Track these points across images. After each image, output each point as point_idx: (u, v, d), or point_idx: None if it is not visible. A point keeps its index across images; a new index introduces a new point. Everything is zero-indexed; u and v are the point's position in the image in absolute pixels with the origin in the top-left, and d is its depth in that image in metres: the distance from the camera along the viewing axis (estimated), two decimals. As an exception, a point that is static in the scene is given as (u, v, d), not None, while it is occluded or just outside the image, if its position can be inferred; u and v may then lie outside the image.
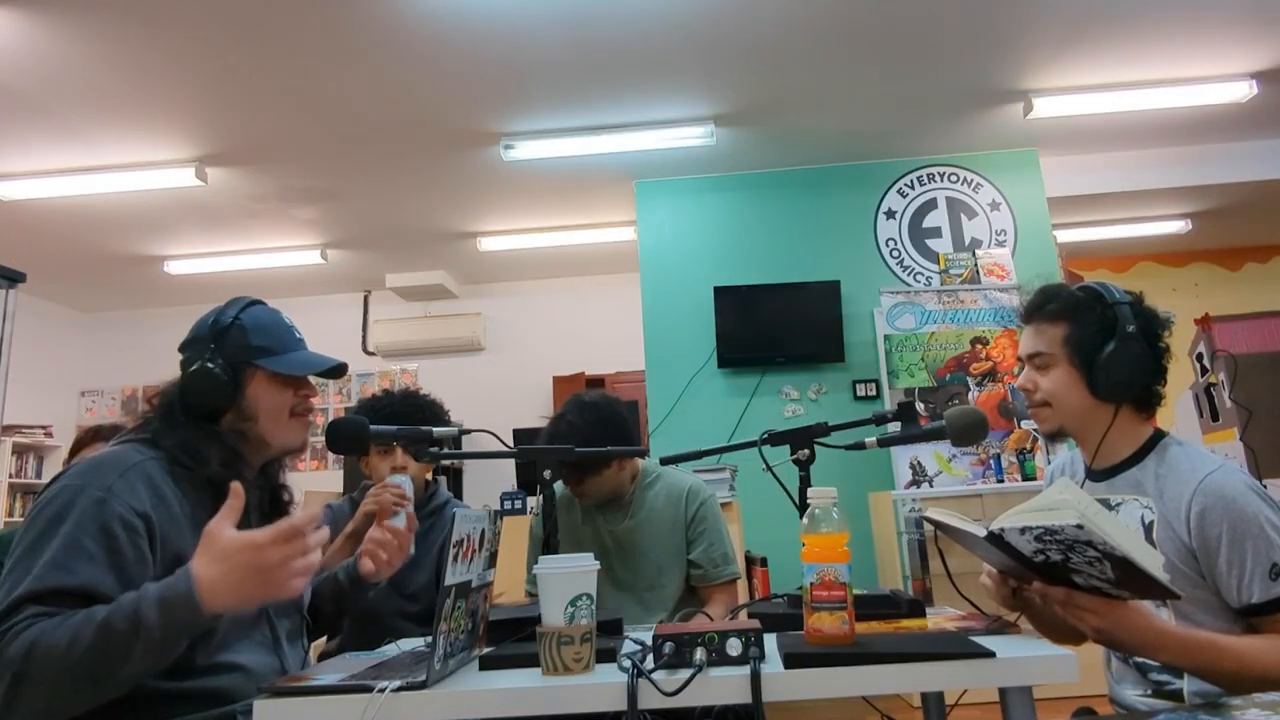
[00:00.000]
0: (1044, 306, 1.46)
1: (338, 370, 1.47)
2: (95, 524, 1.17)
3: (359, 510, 2.09)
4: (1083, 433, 1.45)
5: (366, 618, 2.17)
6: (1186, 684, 1.29)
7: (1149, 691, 1.35)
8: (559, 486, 1.98)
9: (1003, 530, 1.10)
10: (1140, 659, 1.34)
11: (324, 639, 2.27)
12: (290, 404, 1.42)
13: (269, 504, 1.48)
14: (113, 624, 1.08)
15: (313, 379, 1.46)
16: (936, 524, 1.30)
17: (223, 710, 1.24)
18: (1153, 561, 1.03)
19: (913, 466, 4.05)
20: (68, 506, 1.18)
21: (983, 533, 1.14)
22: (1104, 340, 1.38)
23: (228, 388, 1.36)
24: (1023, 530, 1.06)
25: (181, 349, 1.42)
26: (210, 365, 1.35)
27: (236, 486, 1.19)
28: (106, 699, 1.11)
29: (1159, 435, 1.41)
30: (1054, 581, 1.15)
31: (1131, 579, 1.05)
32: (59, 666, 1.06)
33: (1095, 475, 1.46)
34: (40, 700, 1.07)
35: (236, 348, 1.38)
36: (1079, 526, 0.98)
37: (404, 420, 2.09)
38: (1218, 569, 1.24)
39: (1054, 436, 1.47)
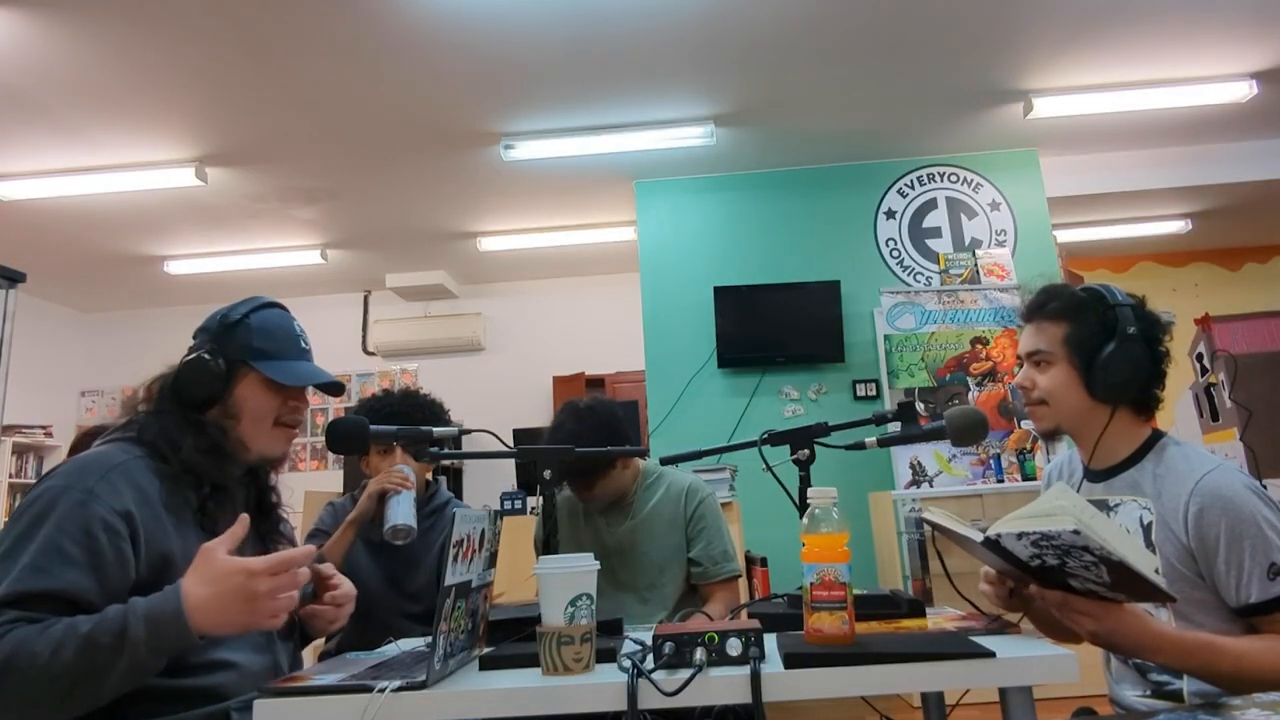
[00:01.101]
0: (1045, 305, 1.46)
1: (334, 387, 1.47)
2: (77, 526, 1.16)
3: (363, 495, 2.09)
4: (1079, 432, 1.45)
5: (367, 617, 2.17)
6: (1186, 684, 1.29)
7: (1148, 692, 1.35)
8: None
9: (999, 536, 1.10)
10: (1139, 659, 1.35)
11: (323, 639, 2.27)
12: (276, 412, 1.42)
13: (255, 506, 1.47)
14: (97, 638, 1.07)
15: (309, 389, 1.46)
16: (934, 525, 1.30)
17: (216, 708, 1.24)
18: (1148, 565, 1.03)
19: (913, 466, 4.05)
20: (49, 508, 1.17)
21: (979, 537, 1.14)
22: (1104, 341, 1.38)
23: (217, 381, 1.36)
24: (1019, 535, 1.07)
25: (193, 336, 1.43)
26: (205, 356, 1.36)
27: (244, 517, 1.21)
28: (83, 712, 1.10)
29: (1157, 436, 1.41)
30: (1050, 585, 1.15)
31: (1127, 582, 1.05)
32: (38, 677, 1.05)
33: (1093, 476, 1.46)
34: (13, 710, 1.06)
35: (236, 344, 1.39)
36: (1075, 532, 0.99)
37: (404, 420, 2.09)
38: (1216, 569, 1.24)
39: (1050, 435, 1.47)
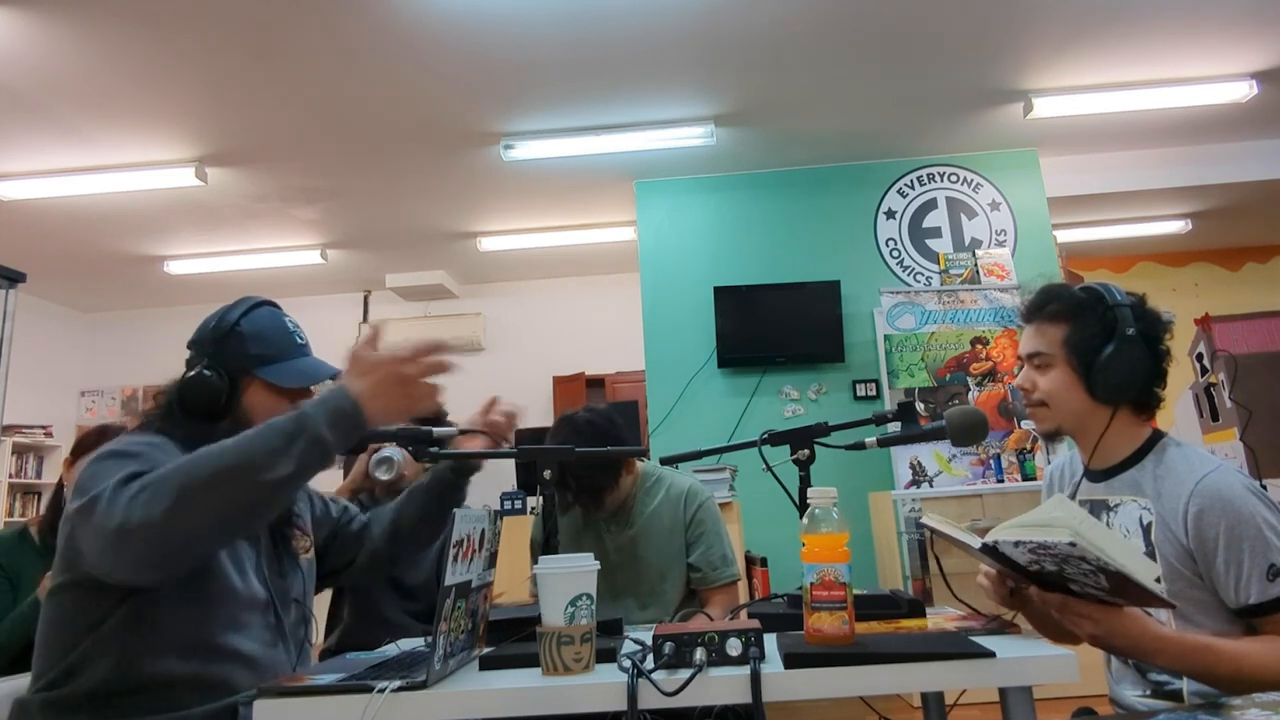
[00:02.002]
0: (1045, 306, 1.46)
1: (337, 379, 1.47)
2: (151, 456, 1.21)
3: (356, 464, 2.11)
4: (1080, 433, 1.45)
5: (366, 614, 2.18)
6: (1186, 684, 1.29)
7: (1148, 692, 1.35)
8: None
9: (997, 543, 1.10)
10: (1139, 661, 1.35)
11: (322, 638, 2.27)
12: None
13: None
14: (275, 424, 1.14)
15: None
16: (933, 531, 1.30)
17: (225, 703, 1.24)
18: (1147, 573, 1.03)
19: (913, 466, 4.05)
20: (124, 448, 1.22)
21: (977, 543, 1.14)
22: (1104, 342, 1.38)
23: (223, 395, 1.36)
24: (1017, 544, 1.07)
25: (188, 346, 1.43)
26: (207, 372, 1.35)
27: (376, 324, 1.27)
28: (257, 514, 1.16)
29: (1157, 436, 1.41)
30: (1050, 588, 1.15)
31: (1126, 589, 1.05)
32: (218, 462, 1.10)
33: (1094, 476, 1.46)
34: (207, 498, 1.09)
35: (234, 355, 1.38)
36: (1071, 544, 0.98)
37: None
38: (1215, 570, 1.24)
39: (1051, 436, 1.47)
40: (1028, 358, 1.47)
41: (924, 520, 1.31)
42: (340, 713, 1.02)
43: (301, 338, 1.47)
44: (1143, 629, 1.15)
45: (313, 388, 1.46)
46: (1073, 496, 1.48)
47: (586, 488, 1.90)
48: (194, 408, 1.35)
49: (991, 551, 1.12)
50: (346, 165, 4.57)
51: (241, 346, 1.39)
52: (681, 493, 2.04)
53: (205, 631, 1.25)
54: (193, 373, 1.36)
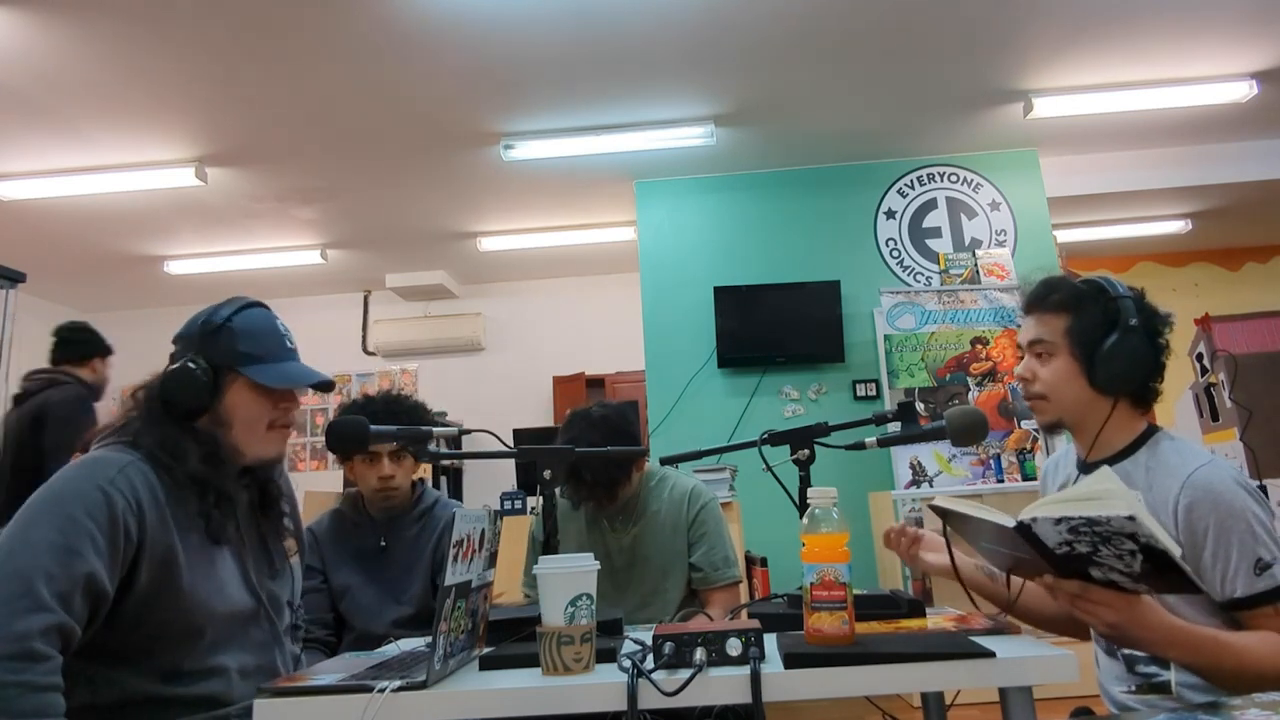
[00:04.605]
0: (1047, 297, 1.46)
1: (324, 385, 1.44)
2: (102, 513, 1.17)
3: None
4: (1079, 425, 1.45)
5: (364, 633, 2.16)
6: (1174, 676, 1.29)
7: (1134, 686, 1.35)
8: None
9: (1035, 520, 1.06)
10: (1128, 651, 1.34)
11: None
12: (269, 416, 1.39)
13: (259, 500, 1.46)
14: None
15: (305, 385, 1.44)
16: (945, 513, 1.25)
17: (216, 714, 1.24)
18: (1176, 552, 1.00)
19: (913, 466, 4.05)
20: (71, 492, 1.18)
21: (1011, 523, 1.09)
22: (1106, 333, 1.38)
23: (205, 390, 1.32)
24: (1058, 520, 1.03)
25: (174, 341, 1.40)
26: (191, 365, 1.32)
27: None
28: None
29: (1152, 429, 1.41)
30: (1068, 575, 1.13)
31: (1158, 573, 1.03)
32: None
33: (1086, 467, 1.46)
34: None
35: (222, 351, 1.34)
36: (1130, 518, 0.95)
37: (386, 424, 2.06)
38: (1203, 562, 1.24)
39: (1051, 429, 1.47)
40: (1029, 346, 1.47)
41: (937, 501, 1.26)
42: (340, 713, 1.02)
43: (291, 342, 1.44)
44: (1160, 618, 1.14)
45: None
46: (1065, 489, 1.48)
47: (602, 481, 1.90)
48: (175, 402, 1.32)
49: (1024, 531, 1.08)
50: (346, 165, 4.57)
51: (230, 342, 1.35)
52: (685, 493, 2.04)
53: (186, 657, 1.24)
54: (177, 365, 1.33)
